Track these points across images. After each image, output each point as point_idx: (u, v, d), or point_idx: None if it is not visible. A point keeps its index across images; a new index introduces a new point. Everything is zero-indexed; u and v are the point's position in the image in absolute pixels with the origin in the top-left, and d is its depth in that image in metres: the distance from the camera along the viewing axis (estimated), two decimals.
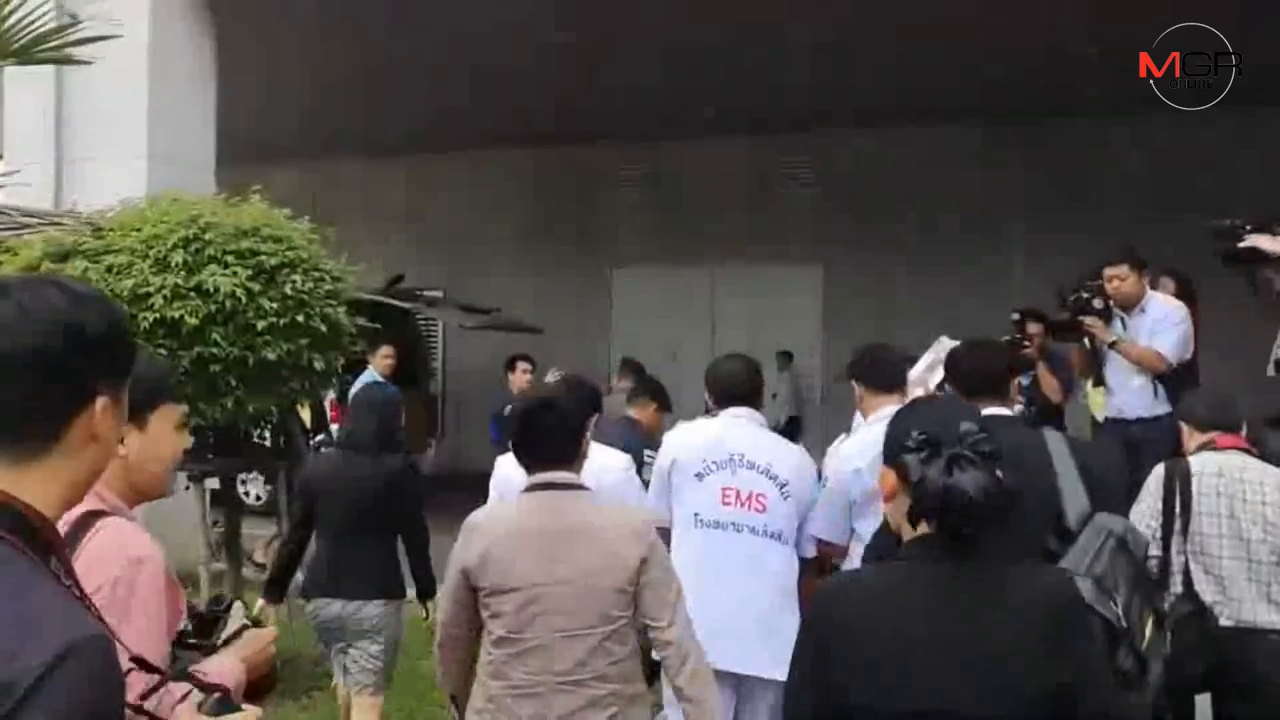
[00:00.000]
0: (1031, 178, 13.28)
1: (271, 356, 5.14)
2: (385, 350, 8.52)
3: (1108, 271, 6.18)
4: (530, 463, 2.86)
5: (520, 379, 8.26)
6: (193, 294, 5.04)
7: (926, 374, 4.45)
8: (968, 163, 13.52)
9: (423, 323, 12.84)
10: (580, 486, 2.87)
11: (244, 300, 5.09)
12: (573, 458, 2.88)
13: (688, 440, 3.90)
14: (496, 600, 2.75)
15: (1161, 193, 12.42)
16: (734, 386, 3.95)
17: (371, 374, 8.51)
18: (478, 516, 2.92)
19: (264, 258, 5.26)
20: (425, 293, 12.59)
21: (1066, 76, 11.65)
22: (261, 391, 5.22)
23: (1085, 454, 3.04)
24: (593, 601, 2.71)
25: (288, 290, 5.26)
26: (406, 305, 11.41)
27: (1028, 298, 13.23)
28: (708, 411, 4.13)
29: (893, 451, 1.96)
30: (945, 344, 4.34)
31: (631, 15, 10.15)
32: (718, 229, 14.55)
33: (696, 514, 3.74)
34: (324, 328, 5.38)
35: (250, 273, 5.19)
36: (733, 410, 3.88)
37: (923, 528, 1.89)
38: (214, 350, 5.06)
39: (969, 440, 1.85)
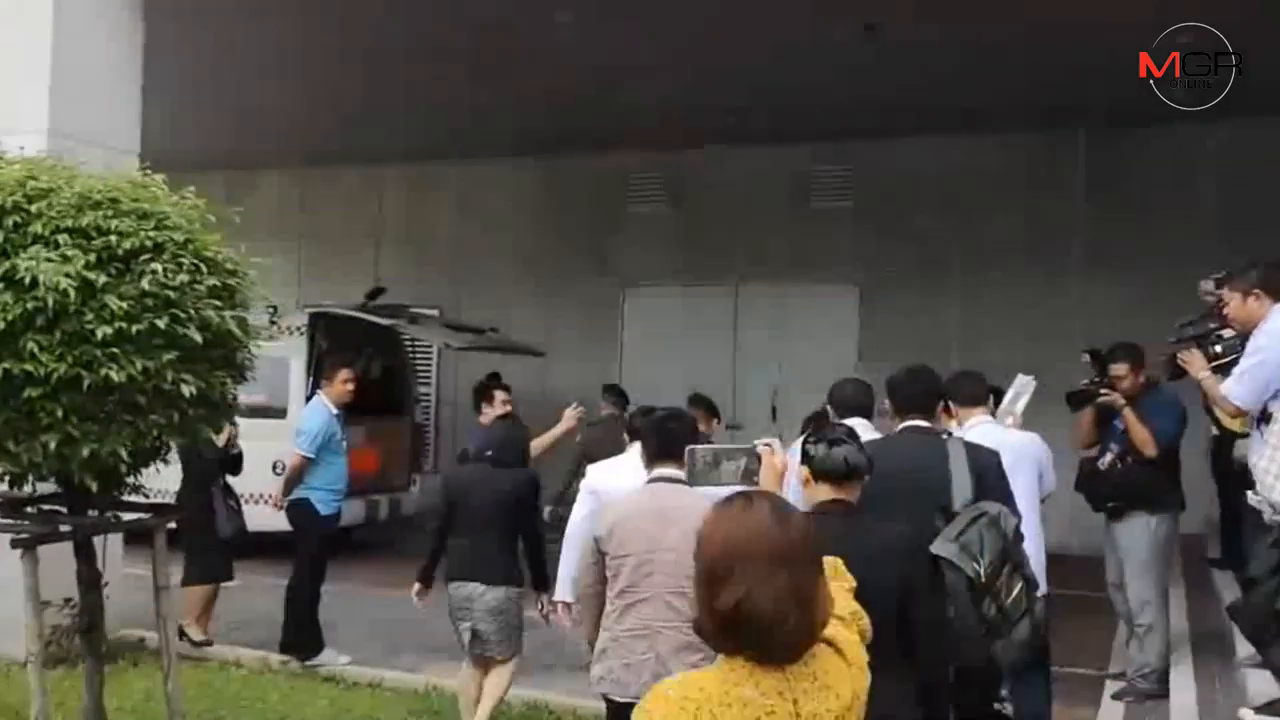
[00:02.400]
0: (1091, 193, 11.73)
1: (117, 377, 3.66)
2: (344, 375, 7.00)
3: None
4: (656, 459, 3.80)
5: (498, 410, 6.71)
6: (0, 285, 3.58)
7: (1012, 405, 5.45)
8: (1019, 176, 12.00)
9: (412, 344, 11.37)
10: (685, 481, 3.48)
11: (78, 296, 3.62)
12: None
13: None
14: (618, 562, 3.66)
15: (1229, 208, 10.91)
16: (853, 401, 5.00)
17: (320, 402, 7.00)
18: (613, 501, 3.98)
19: (115, 239, 3.78)
20: (413, 309, 11.12)
21: (1127, 84, 10.20)
22: (104, 426, 3.73)
23: (977, 457, 3.81)
24: (688, 568, 2.99)
25: (146, 284, 3.76)
26: (385, 322, 9.94)
27: (1085, 324, 11.98)
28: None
29: (805, 455, 3.20)
30: (1024, 380, 5.47)
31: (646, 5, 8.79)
32: (742, 246, 13.09)
33: None
34: (200, 337, 3.86)
35: (93, 259, 3.71)
36: (851, 421, 4.30)
37: (826, 494, 3.14)
38: (29, 367, 3.59)
39: (841, 433, 3.20)
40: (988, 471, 3.78)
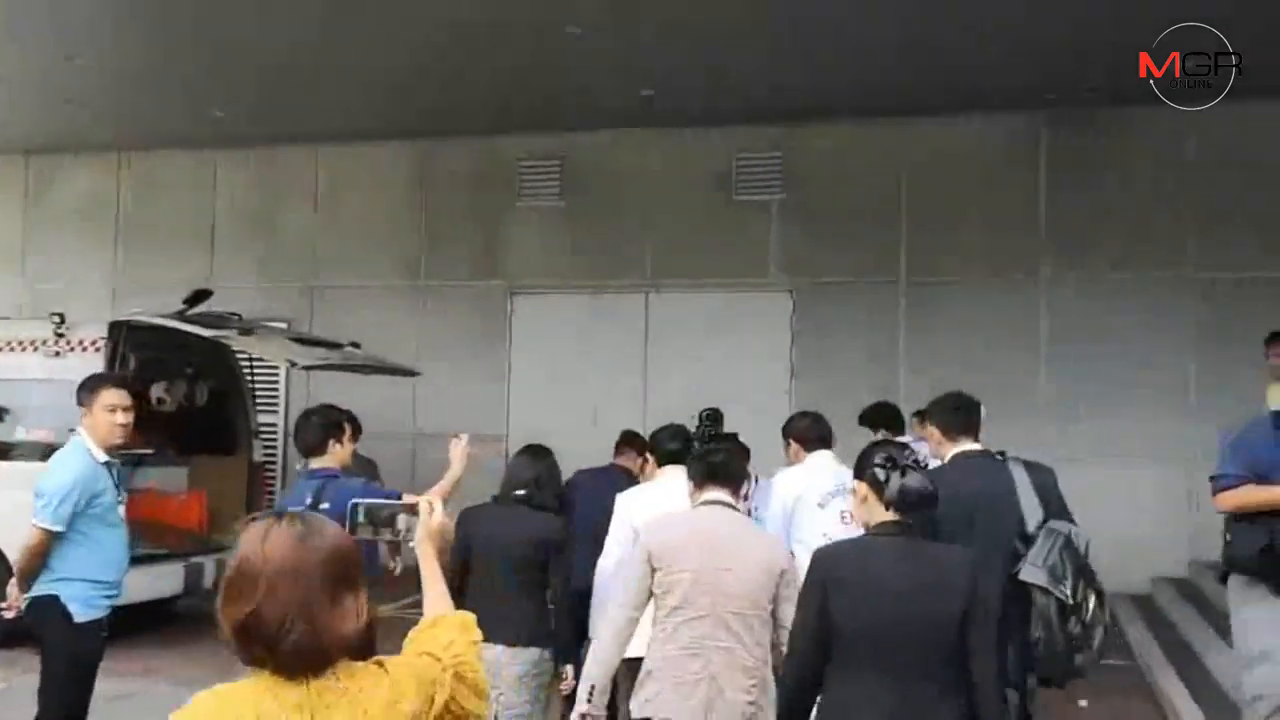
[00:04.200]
0: (1055, 184, 10.15)
1: None
2: (109, 399, 4.65)
3: None
4: (705, 484, 3.73)
5: (347, 449, 4.55)
6: None
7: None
8: (984, 162, 10.35)
9: (250, 363, 9.04)
10: (736, 508, 3.72)
11: None
12: (738, 485, 3.77)
13: (802, 480, 4.83)
14: (671, 578, 3.52)
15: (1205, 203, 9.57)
16: (818, 433, 5.03)
17: (76, 446, 4.66)
18: (668, 515, 3.88)
19: None
20: (255, 320, 8.80)
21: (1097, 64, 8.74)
22: None
23: (1037, 476, 3.91)
24: (748, 585, 3.47)
25: None
26: (206, 333, 7.66)
27: (1054, 330, 10.47)
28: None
29: (862, 469, 3.08)
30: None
31: None
32: (653, 245, 11.17)
33: (825, 534, 4.32)
34: None
35: None
36: (821, 453, 4.90)
37: (885, 515, 3.00)
38: None
39: (910, 459, 3.04)
40: (1050, 489, 3.89)
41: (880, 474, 3.00)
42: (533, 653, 4.28)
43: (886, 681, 2.80)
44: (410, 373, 9.11)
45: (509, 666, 4.22)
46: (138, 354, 8.34)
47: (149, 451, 8.27)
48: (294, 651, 1.69)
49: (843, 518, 4.50)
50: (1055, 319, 10.14)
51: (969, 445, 4.03)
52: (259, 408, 9.78)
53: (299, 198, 12.19)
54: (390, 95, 10.46)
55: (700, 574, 3.46)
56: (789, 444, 5.08)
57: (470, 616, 2.16)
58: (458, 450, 4.76)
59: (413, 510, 2.49)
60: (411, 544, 2.43)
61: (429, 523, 2.43)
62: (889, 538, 2.97)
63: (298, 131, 11.67)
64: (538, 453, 4.56)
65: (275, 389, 11.76)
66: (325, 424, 4.51)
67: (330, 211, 12.11)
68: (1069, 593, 3.60)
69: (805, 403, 10.63)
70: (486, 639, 3.92)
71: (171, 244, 12.28)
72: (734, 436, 7.49)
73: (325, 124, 11.39)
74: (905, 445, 3.26)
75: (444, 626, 2.08)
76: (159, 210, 12.53)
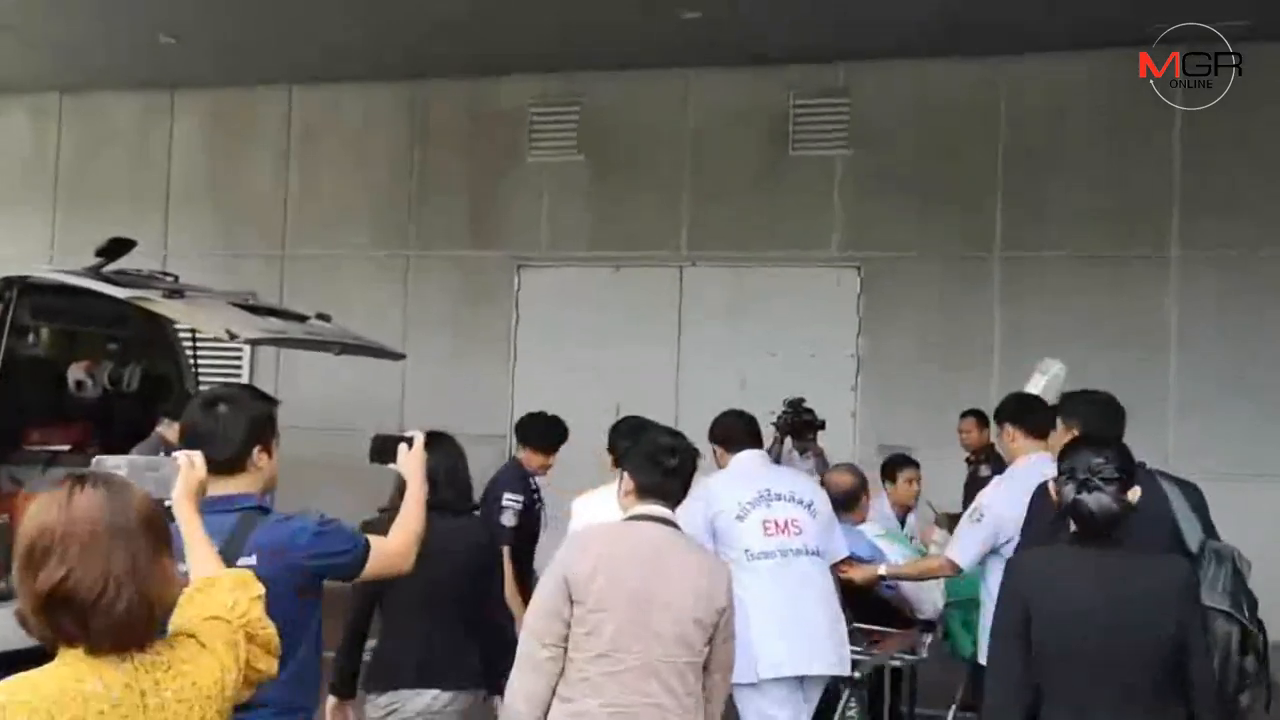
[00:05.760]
0: (1189, 141, 8.32)
1: None
2: None
3: None
4: (646, 494, 3.09)
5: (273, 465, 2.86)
6: None
7: (1045, 395, 4.92)
8: (1101, 112, 8.54)
9: (193, 339, 7.18)
10: (676, 524, 3.10)
11: None
12: (680, 498, 3.14)
13: (722, 488, 4.24)
14: (598, 617, 2.89)
15: None
16: (742, 431, 4.46)
17: None
18: (592, 531, 3.21)
19: None
20: (194, 283, 6.92)
21: None
22: None
23: (1186, 491, 3.56)
24: (682, 629, 2.92)
25: None
26: (123, 294, 5.82)
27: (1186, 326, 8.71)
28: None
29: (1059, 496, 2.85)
30: (1051, 365, 5.29)
31: None
32: (690, 209, 9.34)
33: (747, 549, 4.07)
34: None
35: None
36: (746, 454, 4.35)
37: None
38: None
39: (1096, 470, 2.72)
40: (1201, 506, 3.58)
41: (1065, 489, 2.80)
42: (470, 696, 3.70)
43: None
44: (394, 355, 7.26)
45: (446, 711, 3.62)
46: (45, 324, 6.53)
47: (64, 449, 6.80)
48: (123, 622, 1.60)
49: (765, 529, 4.14)
50: (1188, 305, 8.32)
51: None
52: None
53: (267, 149, 10.32)
54: (376, 27, 8.65)
55: (632, 613, 2.92)
56: (714, 450, 4.51)
57: (247, 573, 2.00)
58: (410, 460, 3.05)
59: (170, 462, 2.36)
60: (168, 501, 2.23)
61: (188, 477, 2.33)
62: (1084, 549, 2.77)
63: (266, 70, 9.84)
64: (432, 441, 3.49)
65: (236, 372, 9.93)
66: (251, 420, 2.72)
67: (304, 166, 10.25)
68: (1247, 620, 3.24)
69: (873, 401, 8.88)
70: (417, 681, 3.57)
71: (118, 201, 10.40)
72: (822, 424, 6.61)
73: (299, 61, 9.59)
74: (1115, 448, 2.88)
75: (221, 587, 1.90)
76: (103, 162, 10.68)
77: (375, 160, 10.09)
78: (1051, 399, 4.80)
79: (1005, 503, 4.26)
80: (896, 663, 4.86)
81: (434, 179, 9.96)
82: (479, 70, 9.57)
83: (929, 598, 5.05)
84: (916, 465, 6.16)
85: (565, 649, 2.94)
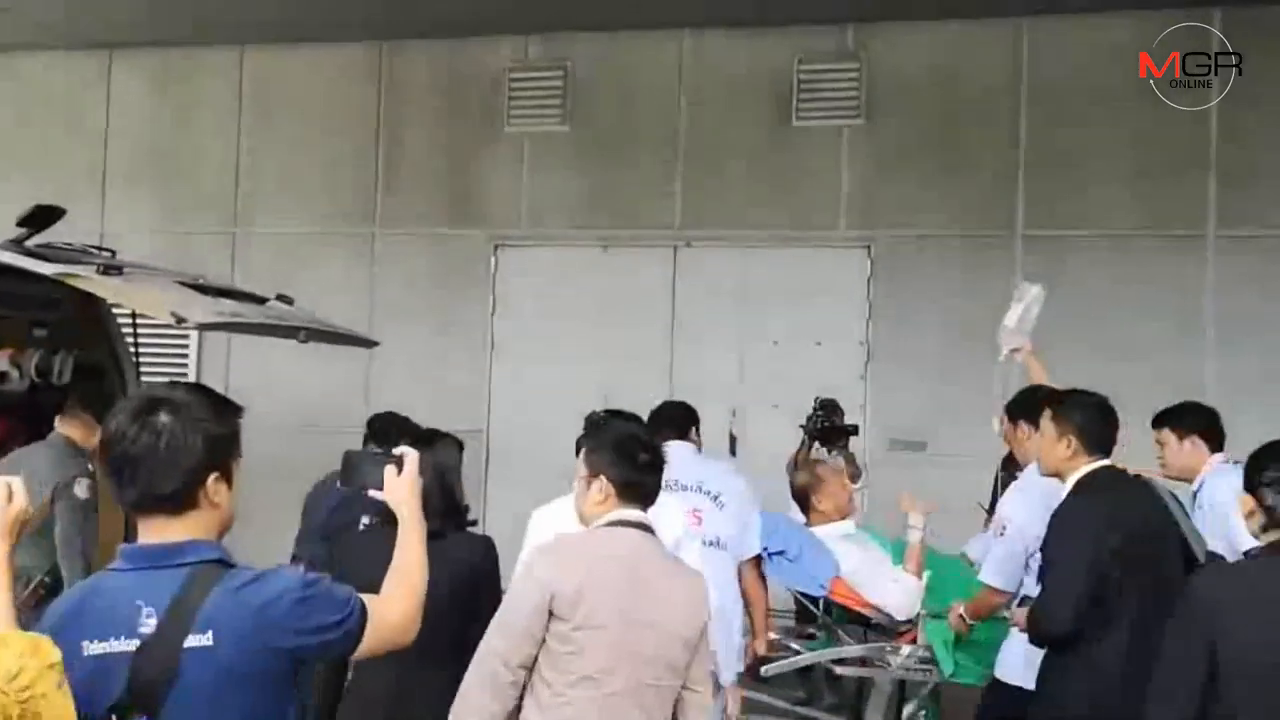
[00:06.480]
0: (1248, 102, 7.69)
1: None
2: None
3: None
4: (624, 495, 2.82)
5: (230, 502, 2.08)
6: None
7: (1022, 324, 4.80)
8: (1131, 78, 7.89)
9: (134, 323, 6.31)
10: (654, 531, 2.85)
11: None
12: (654, 499, 2.88)
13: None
14: (585, 635, 2.65)
15: None
16: (669, 420, 4.51)
17: None
18: (570, 541, 2.82)
19: None
20: (129, 258, 6.02)
21: None
22: None
23: (1173, 498, 3.62)
24: (669, 650, 2.73)
25: None
26: (49, 271, 4.96)
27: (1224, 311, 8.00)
28: None
29: (1251, 482, 2.71)
30: (1027, 290, 4.82)
31: None
32: (685, 183, 8.57)
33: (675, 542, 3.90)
34: None
35: None
36: (670, 445, 3.86)
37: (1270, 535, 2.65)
38: None
39: None
40: (1185, 513, 3.62)
41: (1269, 496, 2.67)
42: None
43: None
44: (367, 342, 6.43)
45: None
46: None
47: None
48: None
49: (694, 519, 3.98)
50: (1226, 288, 7.70)
51: (1106, 462, 3.63)
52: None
53: (219, 115, 9.39)
54: None
55: (622, 633, 2.64)
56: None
57: (44, 638, 1.63)
58: (401, 488, 2.31)
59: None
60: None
61: (6, 512, 1.88)
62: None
63: (217, 27, 8.90)
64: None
65: (182, 362, 9.04)
66: (208, 437, 1.99)
67: (258, 135, 9.34)
68: None
69: (885, 391, 8.19)
70: None
71: (49, 173, 9.43)
72: (854, 429, 6.25)
73: (251, 18, 8.67)
74: None
75: (8, 650, 1.59)
76: (33, 131, 9.69)
77: (337, 129, 9.20)
78: (1029, 327, 4.73)
79: (1026, 514, 4.06)
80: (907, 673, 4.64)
81: (402, 150, 9.09)
82: (452, 30, 8.73)
83: (897, 602, 4.64)
84: None
85: (531, 669, 2.70)
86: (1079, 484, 3.59)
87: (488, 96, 8.88)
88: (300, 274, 8.52)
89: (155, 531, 1.88)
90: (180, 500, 1.88)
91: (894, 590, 4.61)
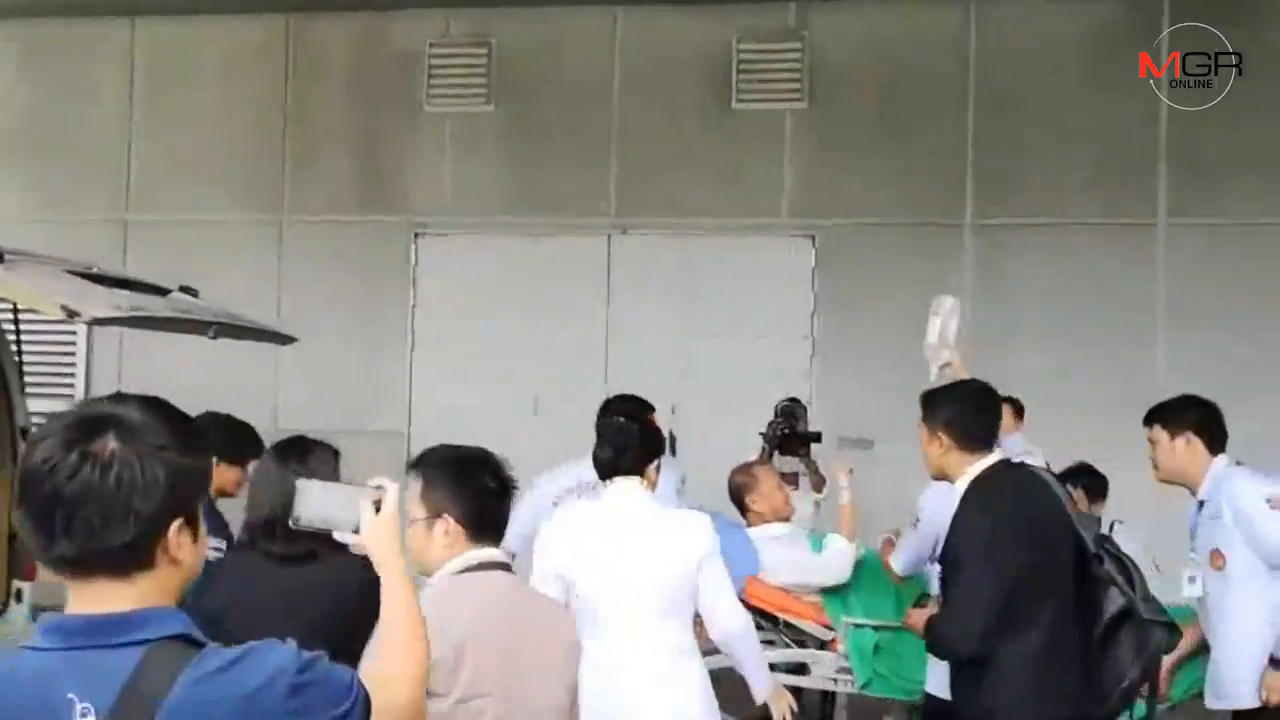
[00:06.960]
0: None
1: None
2: None
3: None
4: (483, 533, 2.54)
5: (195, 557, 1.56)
6: None
7: (943, 338, 4.57)
8: (1082, 60, 7.71)
9: (15, 318, 5.62)
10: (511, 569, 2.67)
11: None
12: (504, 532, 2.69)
13: (548, 476, 4.55)
14: (471, 708, 2.34)
15: None
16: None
17: None
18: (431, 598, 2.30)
19: None
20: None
21: None
22: None
23: (1061, 485, 3.63)
24: (558, 699, 2.56)
25: None
26: None
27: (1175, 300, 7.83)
28: None
29: None
30: (942, 303, 4.66)
31: None
32: (619, 169, 8.13)
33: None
34: None
35: None
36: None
37: None
38: None
39: None
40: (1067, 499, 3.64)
41: None
42: None
43: None
44: (283, 338, 5.82)
45: None
46: None
47: None
48: None
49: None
50: (1177, 276, 7.57)
51: (991, 458, 3.50)
52: (37, 391, 6.37)
53: (107, 92, 8.64)
54: None
55: (511, 698, 2.36)
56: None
57: None
58: (380, 531, 1.90)
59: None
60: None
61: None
62: None
63: None
64: (291, 454, 2.89)
65: (68, 362, 8.29)
66: (173, 472, 1.47)
67: (153, 113, 8.61)
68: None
69: (832, 387, 7.87)
70: None
71: None
72: (816, 437, 5.77)
73: None
74: None
75: None
76: None
77: (241, 108, 8.53)
78: (952, 339, 4.69)
79: (936, 503, 4.00)
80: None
81: (313, 130, 8.47)
82: (367, 2, 8.16)
83: (824, 566, 4.56)
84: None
85: None
86: (975, 485, 3.43)
87: (406, 74, 8.32)
88: (199, 264, 7.81)
89: (94, 598, 1.35)
90: (134, 556, 1.36)
91: (817, 561, 4.55)
